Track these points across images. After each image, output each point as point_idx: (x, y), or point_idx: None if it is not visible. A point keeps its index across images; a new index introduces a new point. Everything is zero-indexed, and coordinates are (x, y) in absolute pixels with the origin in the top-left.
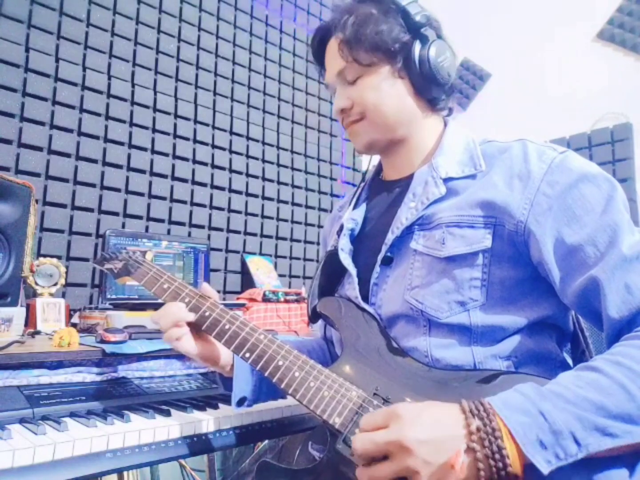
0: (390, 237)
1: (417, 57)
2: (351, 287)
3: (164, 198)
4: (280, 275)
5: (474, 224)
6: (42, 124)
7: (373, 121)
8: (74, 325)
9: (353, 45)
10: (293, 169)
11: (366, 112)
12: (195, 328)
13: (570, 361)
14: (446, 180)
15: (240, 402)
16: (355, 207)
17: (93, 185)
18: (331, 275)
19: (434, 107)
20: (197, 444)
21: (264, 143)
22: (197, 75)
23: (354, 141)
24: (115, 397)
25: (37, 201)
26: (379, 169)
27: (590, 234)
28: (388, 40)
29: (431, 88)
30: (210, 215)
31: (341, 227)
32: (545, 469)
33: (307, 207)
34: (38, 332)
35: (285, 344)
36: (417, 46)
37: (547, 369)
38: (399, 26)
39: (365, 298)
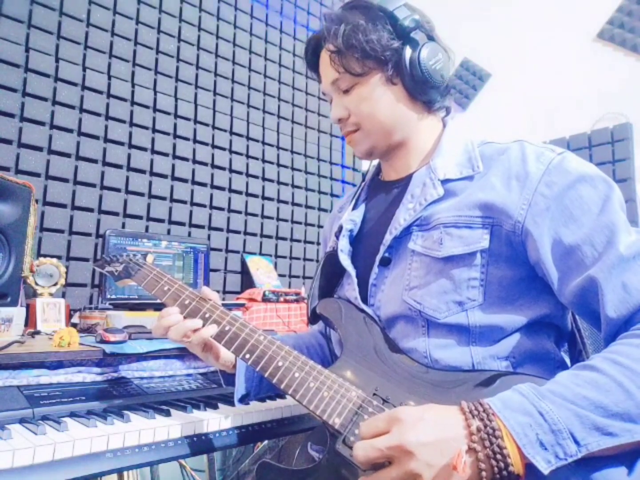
0: (388, 238)
1: (408, 62)
2: (350, 288)
3: (164, 198)
4: (280, 275)
5: (472, 225)
6: (42, 124)
7: (369, 131)
8: (74, 325)
9: (344, 56)
10: (293, 169)
11: (362, 122)
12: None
13: (568, 361)
14: (444, 181)
15: (242, 399)
16: (354, 207)
17: (93, 185)
18: (331, 276)
19: (430, 108)
20: (197, 444)
21: (264, 143)
22: (197, 75)
23: (353, 149)
24: (115, 397)
25: (37, 201)
26: (379, 169)
27: (588, 234)
28: (378, 49)
29: (425, 91)
30: (210, 215)
31: (340, 228)
32: (545, 469)
33: (307, 207)
34: (38, 332)
35: (285, 344)
36: (407, 51)
37: (545, 369)
38: (387, 33)
39: (365, 299)
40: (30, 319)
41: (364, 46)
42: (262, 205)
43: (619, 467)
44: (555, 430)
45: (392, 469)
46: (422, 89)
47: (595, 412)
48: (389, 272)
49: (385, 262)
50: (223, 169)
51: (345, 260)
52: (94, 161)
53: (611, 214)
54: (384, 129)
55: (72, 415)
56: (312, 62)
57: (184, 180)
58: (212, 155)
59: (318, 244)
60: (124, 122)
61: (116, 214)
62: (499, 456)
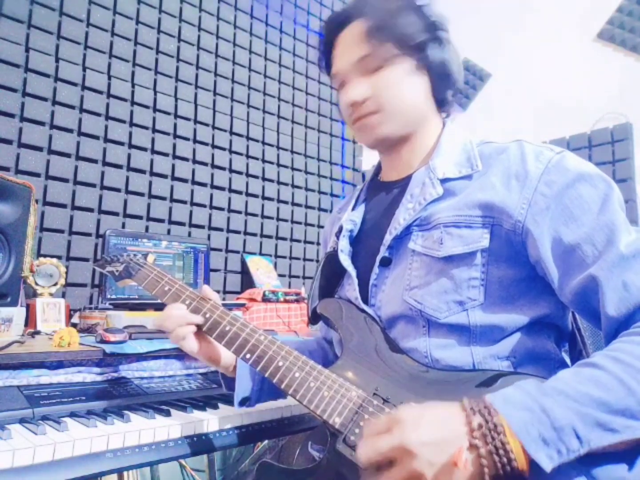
0: (388, 238)
1: (439, 56)
2: (351, 288)
3: (164, 198)
4: (280, 275)
5: (472, 224)
6: (42, 124)
7: (390, 115)
8: (74, 325)
9: (383, 32)
10: (293, 169)
11: (385, 105)
12: (198, 328)
13: (568, 361)
14: (443, 181)
15: (242, 402)
16: (354, 208)
17: (93, 185)
18: (331, 277)
19: (441, 108)
20: (197, 444)
21: (264, 143)
22: (197, 75)
23: (363, 135)
24: (115, 397)
25: (37, 201)
26: (378, 169)
27: (588, 233)
28: (417, 34)
29: (445, 89)
30: (210, 215)
31: (340, 229)
32: (547, 466)
33: (307, 207)
34: (38, 332)
35: (286, 344)
36: (438, 45)
37: (545, 369)
38: (424, 22)
39: (365, 299)
40: (30, 319)
41: (405, 27)
42: (262, 205)
43: (620, 463)
44: (557, 427)
45: (395, 469)
46: (444, 86)
47: (597, 409)
48: (390, 272)
49: (386, 262)
50: (223, 169)
51: (345, 260)
52: (94, 161)
53: (611, 213)
54: (404, 116)
55: (72, 415)
56: (329, 39)
57: (184, 180)
58: (212, 155)
59: (318, 244)
60: (124, 122)
61: (116, 214)
62: (501, 451)
